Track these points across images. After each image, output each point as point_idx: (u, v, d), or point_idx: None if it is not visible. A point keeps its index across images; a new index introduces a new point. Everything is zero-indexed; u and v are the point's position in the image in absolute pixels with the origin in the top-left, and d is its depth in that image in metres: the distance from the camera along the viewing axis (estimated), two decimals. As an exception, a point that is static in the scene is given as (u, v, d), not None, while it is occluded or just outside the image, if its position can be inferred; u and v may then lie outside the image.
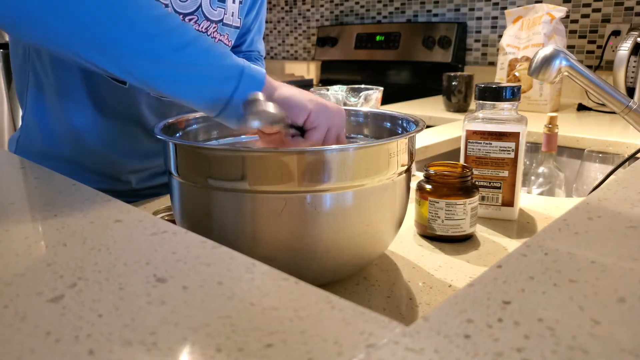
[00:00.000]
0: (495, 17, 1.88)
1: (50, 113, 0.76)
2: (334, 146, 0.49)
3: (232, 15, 0.80)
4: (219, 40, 0.78)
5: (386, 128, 0.63)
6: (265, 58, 1.09)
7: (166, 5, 0.69)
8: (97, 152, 0.78)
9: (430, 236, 0.62)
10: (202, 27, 0.75)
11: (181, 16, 0.72)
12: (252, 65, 0.54)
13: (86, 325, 0.25)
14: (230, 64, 0.52)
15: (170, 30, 0.51)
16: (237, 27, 0.82)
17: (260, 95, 0.50)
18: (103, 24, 0.48)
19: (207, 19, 0.75)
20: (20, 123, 0.81)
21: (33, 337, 0.24)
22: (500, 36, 1.65)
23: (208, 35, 0.76)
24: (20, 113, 0.80)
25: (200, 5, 0.73)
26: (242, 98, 0.51)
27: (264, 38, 0.99)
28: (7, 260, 0.33)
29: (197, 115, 0.62)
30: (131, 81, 0.52)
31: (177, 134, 0.59)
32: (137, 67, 0.50)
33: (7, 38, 0.79)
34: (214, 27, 0.77)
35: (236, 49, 0.93)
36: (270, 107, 0.49)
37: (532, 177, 1.00)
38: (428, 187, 0.61)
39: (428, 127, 1.35)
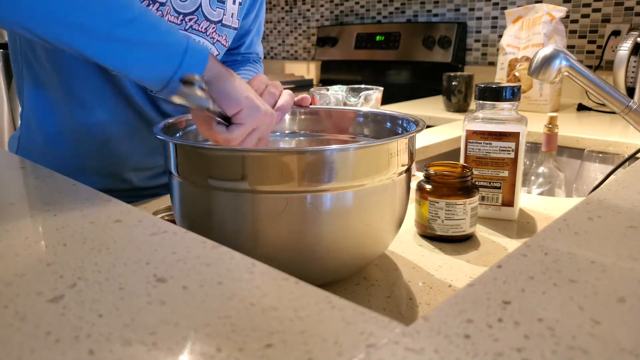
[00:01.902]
0: (495, 17, 1.88)
1: (48, 110, 0.76)
2: (334, 146, 0.49)
3: (232, 17, 0.80)
4: (217, 40, 0.79)
5: (386, 128, 0.63)
6: (265, 58, 1.09)
7: (164, 5, 0.69)
8: (98, 148, 0.77)
9: (430, 236, 0.62)
10: (201, 28, 0.75)
11: (181, 16, 0.72)
12: (198, 43, 0.55)
13: (86, 325, 0.25)
14: (174, 41, 0.53)
15: (117, 6, 0.52)
16: (235, 29, 0.82)
17: (196, 77, 0.51)
18: (49, 2, 0.50)
19: (207, 19, 0.75)
20: (19, 122, 0.82)
21: (33, 337, 0.24)
22: (500, 36, 1.66)
23: (207, 36, 0.76)
24: (20, 112, 0.80)
25: (200, 6, 0.73)
26: (179, 82, 0.52)
27: (263, 38, 0.99)
28: (7, 260, 0.33)
29: (197, 115, 0.62)
30: (83, 58, 0.54)
31: (177, 134, 0.59)
32: (84, 44, 0.52)
33: (7, 38, 0.79)
34: (213, 28, 0.77)
35: (235, 50, 0.93)
36: (199, 92, 0.50)
37: (532, 177, 1.00)
38: (428, 187, 0.61)
39: (428, 127, 1.35)
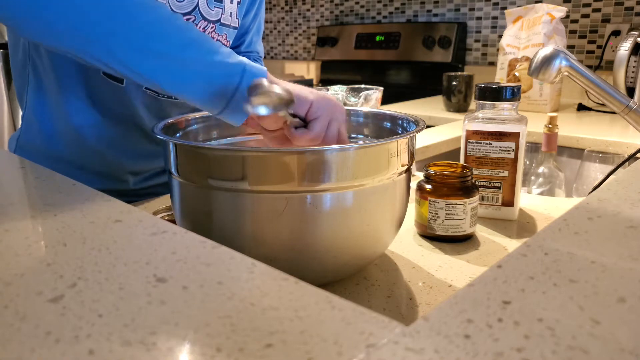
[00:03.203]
0: (495, 17, 1.88)
1: (50, 112, 0.76)
2: (334, 146, 0.49)
3: (230, 16, 0.80)
4: (217, 40, 0.78)
5: (386, 128, 0.63)
6: (265, 58, 1.09)
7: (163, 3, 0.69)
8: (95, 152, 0.78)
9: (430, 236, 0.62)
10: (199, 27, 0.75)
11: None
12: (253, 62, 0.54)
13: (86, 325, 0.25)
14: (233, 62, 0.52)
15: (176, 28, 0.51)
16: (235, 28, 0.82)
17: (265, 80, 0.50)
18: (104, 21, 0.49)
19: (205, 18, 0.75)
20: (20, 123, 0.82)
21: (33, 337, 0.24)
22: (500, 36, 1.65)
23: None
24: (20, 113, 0.80)
25: (197, 5, 0.73)
26: (245, 95, 0.51)
27: (263, 38, 0.99)
28: (7, 260, 0.33)
29: (197, 115, 0.62)
30: (132, 78, 0.52)
31: (177, 134, 0.59)
32: (141, 64, 0.50)
33: (7, 38, 0.79)
34: (212, 27, 0.77)
35: (235, 49, 0.93)
36: (276, 89, 0.48)
37: (532, 177, 1.00)
38: (428, 187, 0.61)
39: (428, 127, 1.35)
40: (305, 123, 0.53)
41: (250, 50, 0.95)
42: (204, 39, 0.52)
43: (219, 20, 0.77)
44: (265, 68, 0.55)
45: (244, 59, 0.54)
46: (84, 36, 0.49)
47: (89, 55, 0.51)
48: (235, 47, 0.93)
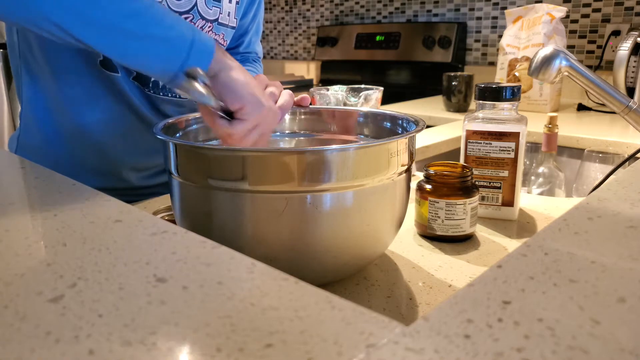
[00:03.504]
0: (495, 17, 1.88)
1: (47, 109, 0.76)
2: (334, 146, 0.49)
3: (228, 15, 0.80)
4: (214, 39, 0.78)
5: (386, 128, 0.63)
6: (265, 58, 1.09)
7: (160, 3, 0.69)
8: (95, 147, 0.77)
9: (430, 236, 0.62)
10: (197, 26, 0.75)
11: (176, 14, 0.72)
12: (205, 35, 0.55)
13: (86, 325, 0.25)
14: (180, 35, 0.53)
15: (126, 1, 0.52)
16: (233, 27, 0.82)
17: (199, 71, 0.51)
18: None
19: (203, 17, 0.75)
20: (19, 122, 0.82)
21: (33, 337, 0.24)
22: (500, 36, 1.65)
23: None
24: (19, 112, 0.81)
25: (195, 4, 0.73)
26: (199, 54, 0.52)
27: (264, 38, 0.99)
28: (7, 260, 0.33)
29: (197, 115, 0.62)
30: (89, 49, 0.54)
31: (177, 134, 0.59)
32: (90, 36, 0.52)
33: (5, 38, 0.80)
34: (209, 27, 0.77)
35: (233, 50, 0.93)
36: (200, 88, 0.50)
37: (532, 177, 1.00)
38: (428, 187, 0.61)
39: (428, 127, 1.35)
40: (231, 116, 0.54)
41: (249, 50, 0.95)
42: (153, 8, 0.53)
43: (216, 19, 0.77)
44: (213, 43, 0.55)
45: (192, 31, 0.54)
46: (50, 6, 0.51)
47: (43, 30, 0.53)
48: (234, 47, 0.93)
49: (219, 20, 0.78)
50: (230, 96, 0.53)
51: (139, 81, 0.75)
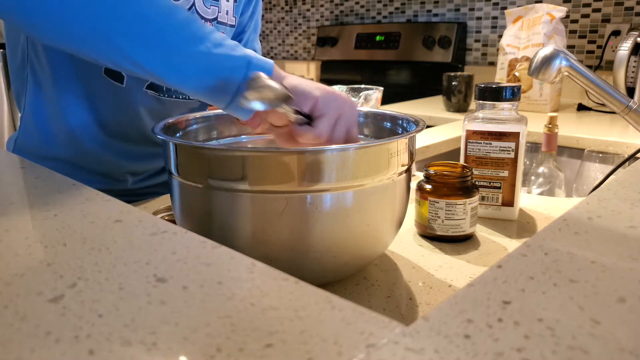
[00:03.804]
0: (495, 17, 1.88)
1: (48, 114, 0.76)
2: (334, 146, 0.49)
3: (227, 14, 0.80)
4: None
5: (386, 128, 0.63)
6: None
7: None
8: (93, 153, 0.77)
9: (430, 236, 0.62)
10: None
11: None
12: (260, 55, 0.54)
13: (86, 325, 0.25)
14: (237, 55, 0.52)
15: (182, 22, 0.51)
16: (232, 26, 0.82)
17: (262, 75, 0.48)
18: (111, 19, 0.49)
19: (201, 17, 0.75)
20: (19, 124, 0.82)
21: (33, 337, 0.24)
22: (500, 36, 1.65)
23: None
24: (19, 114, 0.80)
25: (193, 4, 0.73)
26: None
27: (264, 38, 0.99)
28: (7, 260, 0.33)
29: (197, 115, 0.62)
30: (138, 73, 0.52)
31: (177, 134, 0.59)
32: (146, 59, 0.50)
33: (5, 39, 0.79)
34: (210, 25, 0.77)
35: None
36: (272, 84, 0.47)
37: (532, 177, 1.00)
38: (428, 187, 0.61)
39: (428, 127, 1.35)
40: (310, 120, 0.52)
41: (247, 48, 0.95)
42: (208, 32, 0.52)
43: (215, 18, 0.77)
44: (272, 61, 0.53)
45: (250, 52, 0.53)
46: (91, 36, 0.50)
47: (102, 56, 0.52)
48: None
49: (218, 19, 0.78)
50: (299, 97, 0.51)
51: (152, 89, 0.75)
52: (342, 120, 0.52)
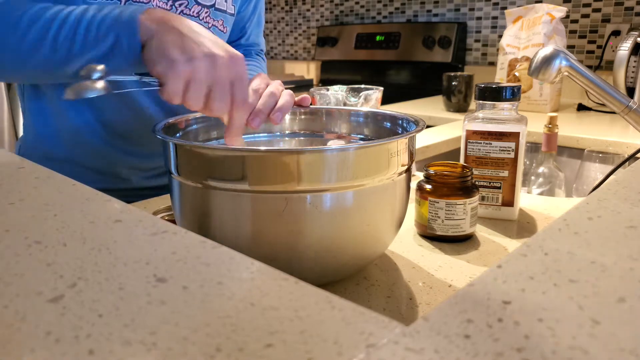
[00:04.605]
0: (495, 17, 1.88)
1: (49, 114, 0.76)
2: (334, 146, 0.49)
3: (226, 1, 0.80)
4: (212, 25, 0.79)
5: (386, 128, 0.63)
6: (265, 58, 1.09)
7: None
8: (97, 151, 0.78)
9: (430, 236, 0.62)
10: (193, 12, 0.75)
11: (171, 0, 0.72)
12: (131, 7, 0.57)
13: (86, 325, 0.25)
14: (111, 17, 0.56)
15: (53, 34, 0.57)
16: (231, 14, 0.82)
17: (97, 68, 0.50)
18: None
19: (198, 3, 0.75)
20: (20, 124, 0.82)
21: (33, 337, 0.24)
22: (500, 36, 1.65)
23: (201, 20, 0.77)
24: (20, 113, 0.81)
25: None
26: (128, 42, 0.55)
27: (264, 38, 1.00)
28: (7, 260, 0.33)
29: (197, 115, 0.62)
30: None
31: (177, 134, 0.59)
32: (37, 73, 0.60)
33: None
34: (206, 12, 0.77)
35: (236, 42, 0.93)
36: (96, 85, 0.50)
37: (532, 177, 1.00)
38: (428, 187, 0.61)
39: (428, 127, 1.35)
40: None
41: (250, 43, 0.95)
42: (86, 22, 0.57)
43: (213, 5, 0.78)
44: (138, 12, 0.56)
45: (119, 9, 0.57)
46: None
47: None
48: (236, 40, 0.93)
49: (216, 6, 0.78)
50: (155, 61, 0.52)
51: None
52: (195, 82, 0.51)
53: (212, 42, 0.53)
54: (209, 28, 0.79)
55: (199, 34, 0.53)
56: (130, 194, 0.83)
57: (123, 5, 0.58)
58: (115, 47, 0.55)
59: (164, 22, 0.54)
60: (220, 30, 0.81)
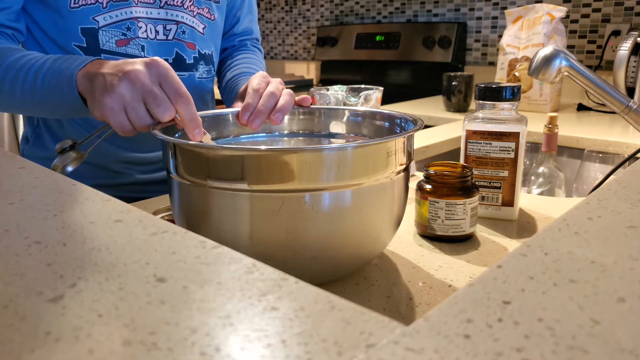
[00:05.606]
0: (495, 17, 1.88)
1: (48, 118, 0.77)
2: (332, 145, 0.49)
3: None
4: (198, 14, 0.79)
5: (385, 127, 0.63)
6: (265, 58, 1.09)
7: None
8: (98, 147, 0.78)
9: (430, 236, 0.62)
10: (177, 2, 0.76)
11: None
12: (77, 61, 0.60)
13: (86, 325, 0.25)
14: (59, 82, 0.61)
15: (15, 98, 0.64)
16: (217, 2, 0.82)
17: (67, 143, 0.58)
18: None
19: None
20: (20, 124, 0.82)
21: (33, 337, 0.24)
22: (500, 36, 1.65)
23: (186, 9, 0.77)
24: (20, 116, 0.81)
25: None
26: (71, 97, 0.60)
27: (264, 38, 0.99)
28: (7, 260, 0.33)
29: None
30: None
31: (177, 134, 0.59)
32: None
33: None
34: (190, 1, 0.78)
35: (230, 32, 0.93)
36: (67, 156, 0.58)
37: (532, 177, 1.00)
38: (428, 187, 0.61)
39: (428, 127, 1.35)
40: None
41: (244, 30, 0.95)
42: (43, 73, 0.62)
43: None
44: (85, 63, 0.60)
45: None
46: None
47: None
48: (230, 29, 0.93)
49: None
50: (94, 109, 0.57)
51: None
52: (128, 104, 0.54)
53: (130, 63, 0.55)
54: (194, 16, 0.79)
55: (116, 65, 0.56)
56: (133, 189, 0.83)
57: (73, 56, 0.62)
58: (64, 100, 0.61)
59: (94, 73, 0.57)
60: (206, 17, 0.81)
